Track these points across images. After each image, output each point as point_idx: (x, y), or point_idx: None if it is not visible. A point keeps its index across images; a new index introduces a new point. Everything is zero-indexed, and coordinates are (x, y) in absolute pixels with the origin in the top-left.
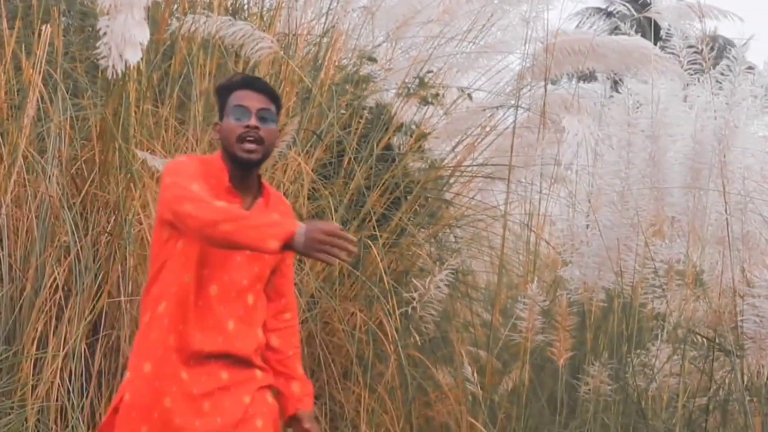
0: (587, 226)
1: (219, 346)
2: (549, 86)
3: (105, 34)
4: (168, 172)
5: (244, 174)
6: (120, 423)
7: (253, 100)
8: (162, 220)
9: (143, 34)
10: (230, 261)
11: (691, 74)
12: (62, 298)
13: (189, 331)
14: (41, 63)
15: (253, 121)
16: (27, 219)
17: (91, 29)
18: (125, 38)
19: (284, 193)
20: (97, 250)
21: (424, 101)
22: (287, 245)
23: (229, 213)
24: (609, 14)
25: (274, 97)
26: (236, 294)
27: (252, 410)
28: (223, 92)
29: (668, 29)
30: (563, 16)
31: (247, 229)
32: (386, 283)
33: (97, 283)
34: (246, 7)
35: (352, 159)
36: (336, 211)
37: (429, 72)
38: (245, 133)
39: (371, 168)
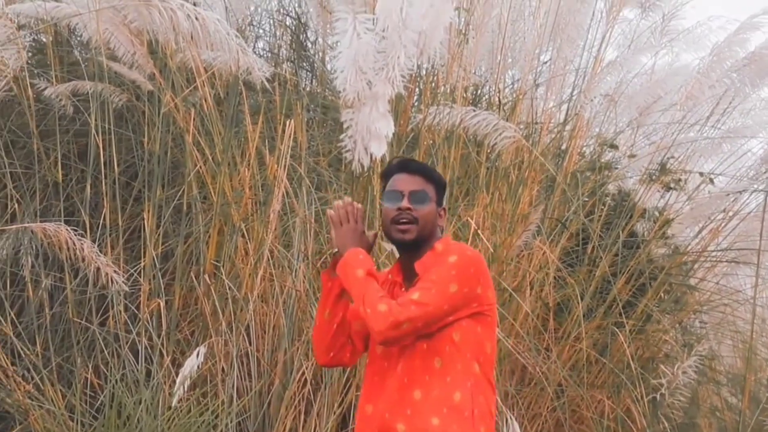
0: None
1: None
2: None
3: (349, 127)
4: None
5: (410, 257)
6: None
7: (406, 183)
8: None
9: (388, 127)
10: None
11: None
12: (311, 392)
13: None
14: (285, 158)
15: (404, 203)
16: (274, 314)
17: (333, 123)
18: (370, 131)
19: (529, 283)
20: None
21: (667, 187)
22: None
23: None
24: None
25: (430, 178)
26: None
27: None
28: (384, 179)
29: None
30: None
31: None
32: (633, 369)
33: (345, 376)
34: (486, 96)
35: (597, 246)
36: (582, 298)
37: (671, 158)
38: (398, 216)
39: (616, 255)
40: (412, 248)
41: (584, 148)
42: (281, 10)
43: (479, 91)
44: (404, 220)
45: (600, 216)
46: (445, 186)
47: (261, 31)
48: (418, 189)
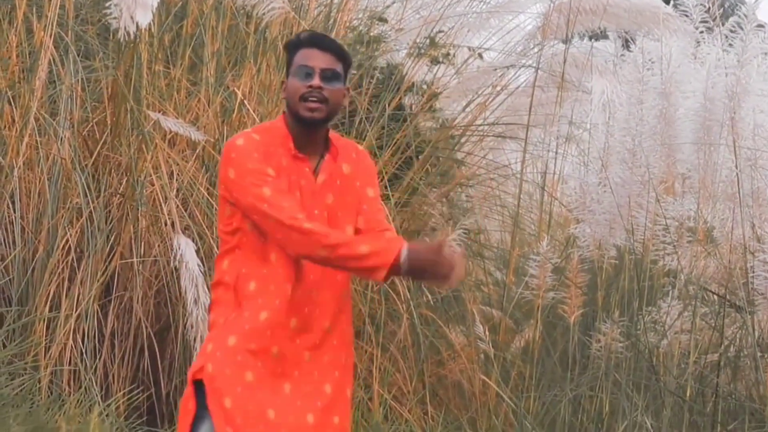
0: (599, 183)
1: None
2: (561, 46)
3: None
4: (231, 162)
5: (310, 133)
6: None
7: (317, 60)
8: (224, 198)
9: None
10: None
11: (702, 32)
12: (74, 260)
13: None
14: (52, 25)
15: (316, 81)
16: (39, 181)
17: None
18: (136, 0)
19: None
20: (109, 211)
21: (435, 61)
22: (393, 269)
23: (327, 240)
24: None
25: (341, 56)
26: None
27: None
28: (291, 50)
29: None
30: None
31: (347, 260)
32: None
33: (110, 244)
34: None
35: (364, 119)
36: None
37: (440, 32)
38: (308, 93)
39: (383, 128)
40: (316, 126)
41: (354, 21)
42: None
43: None
44: (314, 99)
45: (368, 89)
46: (351, 64)
47: None
48: (330, 67)
